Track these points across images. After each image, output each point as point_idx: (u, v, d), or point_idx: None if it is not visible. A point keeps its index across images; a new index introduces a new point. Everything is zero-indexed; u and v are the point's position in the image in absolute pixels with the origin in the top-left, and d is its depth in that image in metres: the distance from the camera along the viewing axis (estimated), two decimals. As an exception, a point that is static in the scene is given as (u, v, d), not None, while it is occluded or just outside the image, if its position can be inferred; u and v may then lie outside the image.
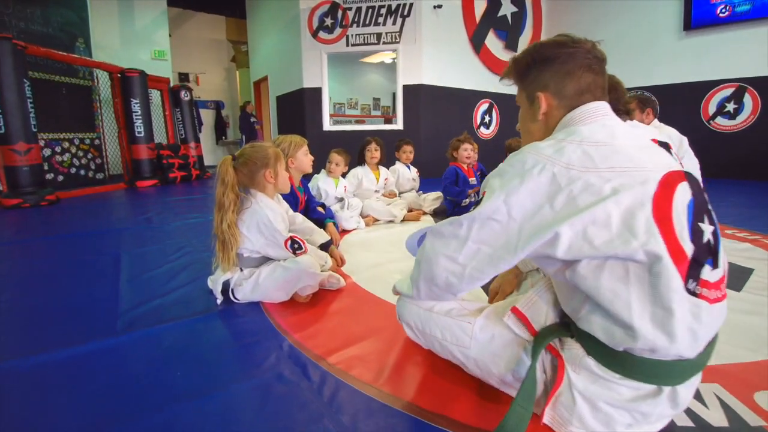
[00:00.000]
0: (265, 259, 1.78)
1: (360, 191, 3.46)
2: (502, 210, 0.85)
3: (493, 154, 3.68)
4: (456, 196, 3.38)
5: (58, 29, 6.15)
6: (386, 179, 3.61)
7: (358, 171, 3.51)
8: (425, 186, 4.23)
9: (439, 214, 3.67)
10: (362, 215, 3.24)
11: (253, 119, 9.66)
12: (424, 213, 3.61)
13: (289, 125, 7.74)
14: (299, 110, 7.03)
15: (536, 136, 1.01)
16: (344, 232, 3.01)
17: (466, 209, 3.34)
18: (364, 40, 6.58)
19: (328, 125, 6.93)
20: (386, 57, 9.12)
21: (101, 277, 2.17)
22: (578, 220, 0.78)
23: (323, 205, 2.88)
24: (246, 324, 1.58)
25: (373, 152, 3.46)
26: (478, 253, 0.90)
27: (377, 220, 3.28)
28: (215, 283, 1.75)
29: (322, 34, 6.66)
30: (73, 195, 5.24)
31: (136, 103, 6.09)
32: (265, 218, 1.67)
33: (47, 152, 5.88)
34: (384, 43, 6.54)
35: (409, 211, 3.51)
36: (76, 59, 5.64)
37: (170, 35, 8.83)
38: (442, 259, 0.94)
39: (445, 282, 0.96)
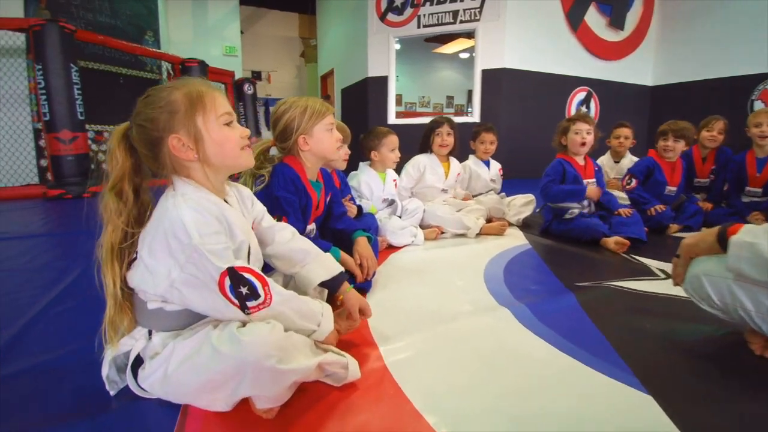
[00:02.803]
0: (199, 318, 0.85)
1: (421, 189, 2.45)
2: None
3: (597, 152, 2.46)
4: (554, 198, 2.24)
5: (126, 22, 5.89)
6: (458, 174, 2.56)
7: (421, 160, 2.45)
8: (506, 190, 3.04)
9: (530, 227, 2.54)
10: (421, 225, 2.23)
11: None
12: (510, 224, 2.51)
13: (352, 119, 6.94)
14: (362, 102, 6.19)
15: None
16: (391, 249, 2.03)
17: (571, 223, 2.21)
18: (438, 19, 5.55)
19: (393, 118, 6.00)
20: (462, 47, 7.98)
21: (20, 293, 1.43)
22: None
23: (361, 208, 1.93)
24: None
25: (445, 137, 2.38)
26: None
27: (443, 233, 2.25)
28: (104, 360, 0.87)
29: (390, 17, 5.75)
30: (127, 188, 4.97)
31: (194, 95, 5.63)
32: (179, 224, 0.76)
33: (113, 145, 5.63)
34: (461, 21, 5.46)
35: (489, 221, 2.44)
36: (134, 48, 5.27)
37: (242, 32, 8.51)
38: None
39: None
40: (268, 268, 1.11)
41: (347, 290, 1.07)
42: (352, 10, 6.59)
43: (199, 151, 0.84)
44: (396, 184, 2.26)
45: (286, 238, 1.07)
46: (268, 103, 10.24)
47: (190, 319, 0.84)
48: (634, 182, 2.52)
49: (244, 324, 0.78)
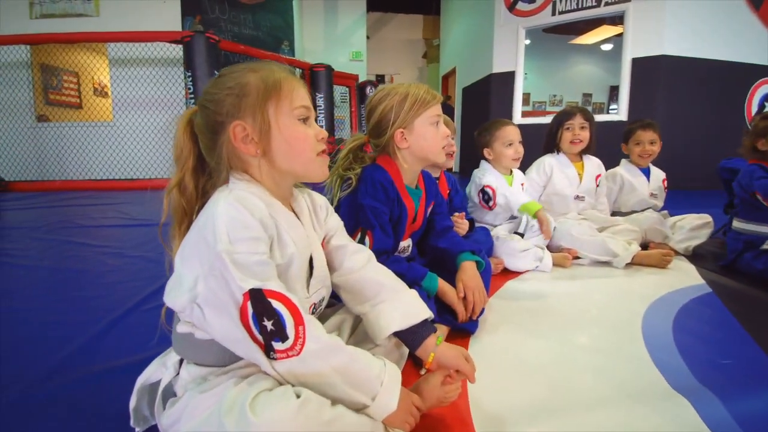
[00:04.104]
0: (235, 356, 0.62)
1: (548, 197, 1.95)
2: None
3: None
4: None
5: (266, 33, 6.38)
6: (598, 176, 1.98)
7: (546, 161, 1.96)
8: (668, 207, 2.26)
9: (703, 258, 1.87)
10: (550, 247, 1.78)
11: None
12: (675, 252, 1.86)
13: (473, 120, 6.51)
14: (485, 100, 5.72)
15: None
16: (507, 273, 1.63)
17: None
18: (577, 4, 4.81)
19: (519, 117, 5.41)
20: (605, 36, 6.89)
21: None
22: None
23: (473, 222, 1.56)
24: None
25: (577, 131, 1.85)
26: None
27: (577, 258, 1.76)
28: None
29: (520, 6, 5.18)
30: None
31: (320, 98, 5.83)
32: (210, 222, 0.59)
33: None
34: (606, 4, 4.64)
35: (644, 247, 1.85)
36: (269, 56, 5.63)
37: (368, 38, 8.70)
38: None
39: None
40: (338, 301, 0.86)
41: (438, 343, 0.74)
42: (478, 3, 6.15)
43: (264, 146, 0.66)
44: (523, 187, 1.84)
45: (358, 263, 0.79)
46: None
47: (223, 354, 0.62)
48: None
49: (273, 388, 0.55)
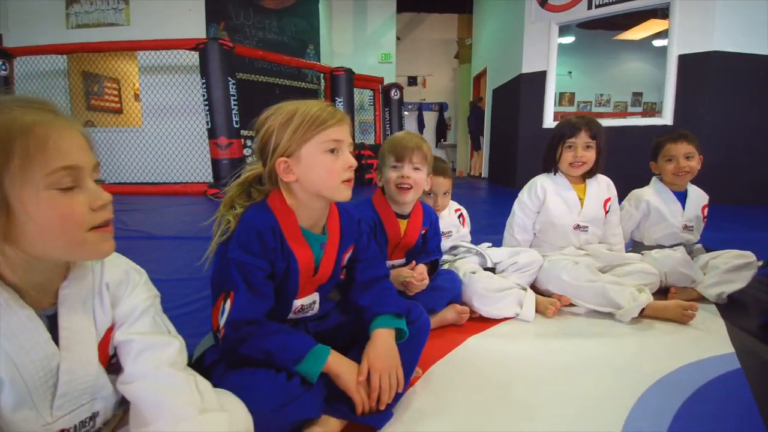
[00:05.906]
0: None
1: (545, 226, 1.57)
2: None
3: None
4: None
5: (291, 38, 6.28)
6: (607, 200, 1.57)
7: (539, 182, 1.58)
8: (706, 231, 1.75)
9: (740, 307, 1.44)
10: (535, 287, 1.44)
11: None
12: (704, 300, 1.43)
13: (501, 123, 6.08)
14: (513, 102, 5.28)
15: None
16: (479, 322, 1.31)
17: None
18: (617, -4, 4.28)
19: (551, 121, 4.92)
20: (654, 31, 6.17)
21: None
22: None
23: (437, 264, 1.26)
24: None
25: (580, 151, 1.46)
26: None
27: (571, 305, 1.38)
28: None
29: (553, 0, 4.71)
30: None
31: (340, 102, 5.65)
32: None
33: (273, 150, 6.07)
34: (650, -6, 4.09)
35: (667, 292, 1.46)
36: (289, 60, 5.51)
37: (398, 39, 8.45)
38: None
39: None
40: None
41: None
42: (510, 1, 5.71)
43: (1, 230, 0.45)
44: (465, 220, 1.55)
45: (141, 369, 0.55)
46: (422, 108, 10.02)
47: None
48: None
49: None
